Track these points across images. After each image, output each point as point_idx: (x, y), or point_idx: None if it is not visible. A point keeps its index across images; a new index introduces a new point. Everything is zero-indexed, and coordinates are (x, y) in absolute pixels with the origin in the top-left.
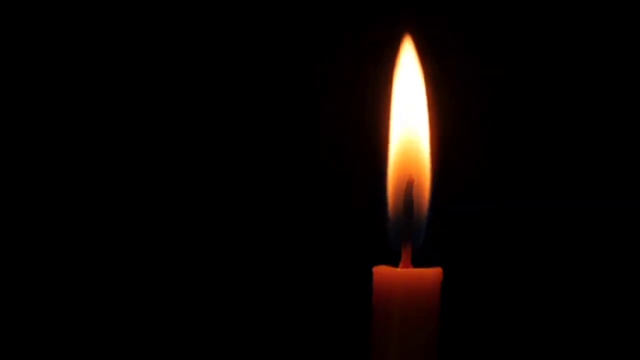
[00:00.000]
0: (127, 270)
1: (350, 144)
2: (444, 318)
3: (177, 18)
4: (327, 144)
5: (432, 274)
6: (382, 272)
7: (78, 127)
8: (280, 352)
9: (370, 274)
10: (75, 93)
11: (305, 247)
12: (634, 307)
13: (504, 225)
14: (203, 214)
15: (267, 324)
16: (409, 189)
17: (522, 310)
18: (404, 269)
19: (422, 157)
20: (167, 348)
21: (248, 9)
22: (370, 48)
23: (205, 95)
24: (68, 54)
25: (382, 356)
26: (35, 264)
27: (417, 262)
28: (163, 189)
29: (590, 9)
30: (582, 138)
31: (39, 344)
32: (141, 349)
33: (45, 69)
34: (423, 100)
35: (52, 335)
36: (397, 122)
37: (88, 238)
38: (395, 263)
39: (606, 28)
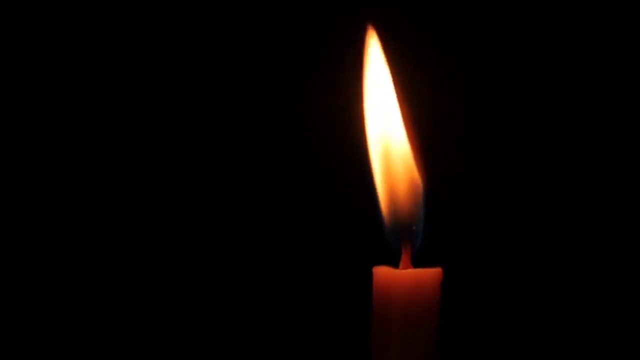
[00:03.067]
0: (128, 270)
1: (350, 143)
2: (444, 318)
3: (177, 18)
4: (327, 143)
5: (432, 274)
6: (382, 272)
7: (78, 128)
8: (280, 352)
9: (370, 274)
10: (76, 93)
11: (305, 247)
12: (634, 307)
13: (503, 225)
14: (203, 214)
15: (267, 324)
16: (409, 194)
17: (522, 310)
18: (404, 269)
19: (406, 158)
20: (167, 348)
21: (248, 9)
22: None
23: (205, 95)
24: (68, 54)
25: (382, 356)
26: (35, 264)
27: (417, 262)
28: (163, 189)
29: (582, 9)
30: (580, 138)
31: (39, 344)
32: (141, 349)
33: (45, 70)
34: (393, 100)
35: (52, 335)
36: (372, 124)
37: (88, 238)
38: (395, 263)
39: (599, 28)
